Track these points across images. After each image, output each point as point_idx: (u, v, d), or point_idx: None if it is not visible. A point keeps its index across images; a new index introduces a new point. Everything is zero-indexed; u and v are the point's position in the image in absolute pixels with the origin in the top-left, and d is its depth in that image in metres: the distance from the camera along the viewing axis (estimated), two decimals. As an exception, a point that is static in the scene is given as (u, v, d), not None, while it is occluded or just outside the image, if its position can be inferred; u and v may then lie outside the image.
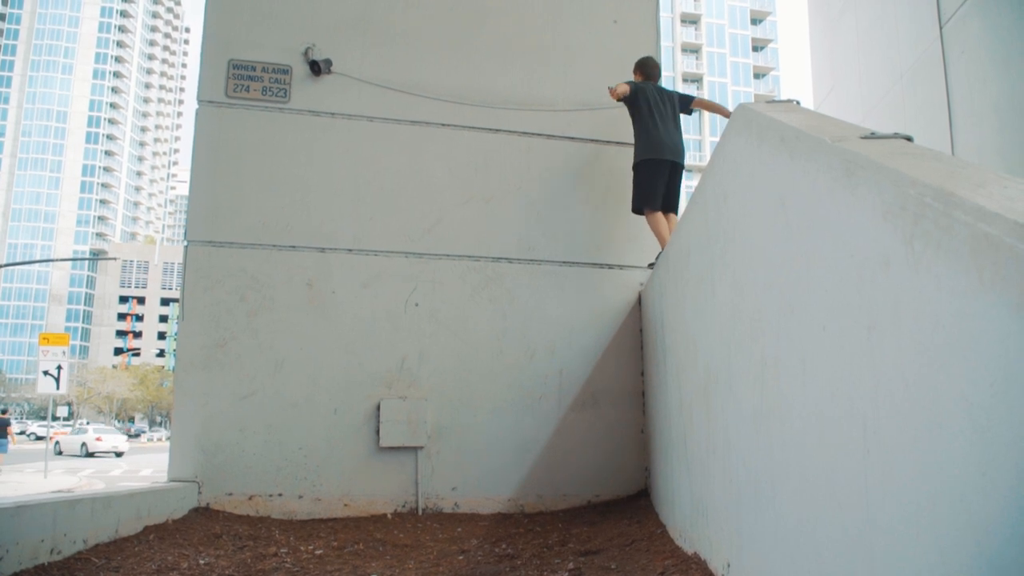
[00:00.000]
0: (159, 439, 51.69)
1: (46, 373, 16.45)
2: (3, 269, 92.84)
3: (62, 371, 16.60)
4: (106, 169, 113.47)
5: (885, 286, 1.61)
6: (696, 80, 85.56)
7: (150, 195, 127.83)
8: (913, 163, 1.65)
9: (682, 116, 6.18)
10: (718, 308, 3.19)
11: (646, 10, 6.98)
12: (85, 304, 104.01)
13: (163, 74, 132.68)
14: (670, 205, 5.90)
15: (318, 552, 4.54)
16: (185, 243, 5.83)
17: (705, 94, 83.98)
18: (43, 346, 16.81)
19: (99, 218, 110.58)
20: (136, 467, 21.20)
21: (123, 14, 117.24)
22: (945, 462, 1.36)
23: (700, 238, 3.62)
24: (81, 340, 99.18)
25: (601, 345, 6.18)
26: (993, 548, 1.23)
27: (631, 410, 6.11)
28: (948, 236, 1.38)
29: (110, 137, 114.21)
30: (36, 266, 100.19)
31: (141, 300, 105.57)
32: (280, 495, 5.55)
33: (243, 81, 6.03)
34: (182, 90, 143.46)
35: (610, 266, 6.31)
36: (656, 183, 5.81)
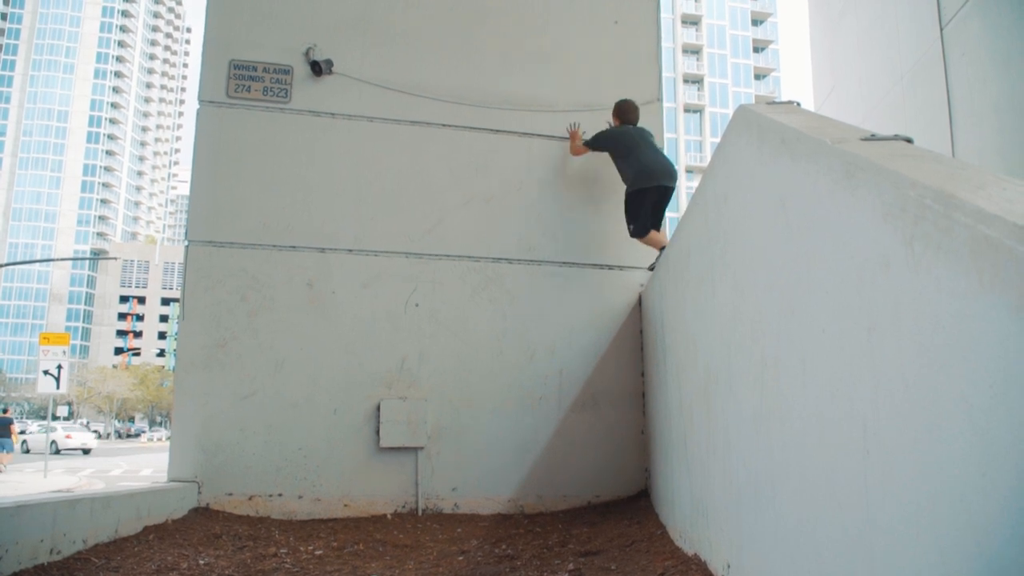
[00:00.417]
0: (159, 439, 51.70)
1: (46, 373, 16.44)
2: (4, 268, 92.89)
3: (62, 371, 16.58)
4: (107, 169, 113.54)
5: (885, 287, 1.61)
6: (697, 81, 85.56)
7: (151, 195, 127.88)
8: (913, 165, 1.66)
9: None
10: (718, 309, 3.19)
11: (646, 11, 6.98)
12: (85, 304, 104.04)
13: (164, 74, 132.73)
14: (657, 224, 5.99)
15: (318, 552, 4.54)
16: (186, 243, 5.83)
17: (706, 95, 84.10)
18: (43, 345, 16.80)
19: (100, 218, 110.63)
20: (136, 467, 21.20)
21: (124, 14, 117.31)
22: (945, 463, 1.37)
23: (700, 239, 3.62)
24: (81, 340, 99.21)
25: (601, 346, 6.18)
26: (993, 548, 1.23)
27: (631, 411, 6.11)
28: (948, 238, 1.38)
29: (111, 137, 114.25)
30: (37, 265, 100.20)
31: (142, 300, 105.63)
32: (280, 495, 5.55)
33: (244, 81, 6.03)
34: (183, 90, 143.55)
35: (610, 267, 6.31)
36: (649, 209, 5.93)
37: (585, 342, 6.18)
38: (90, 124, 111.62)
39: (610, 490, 5.98)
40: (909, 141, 2.03)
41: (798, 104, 3.12)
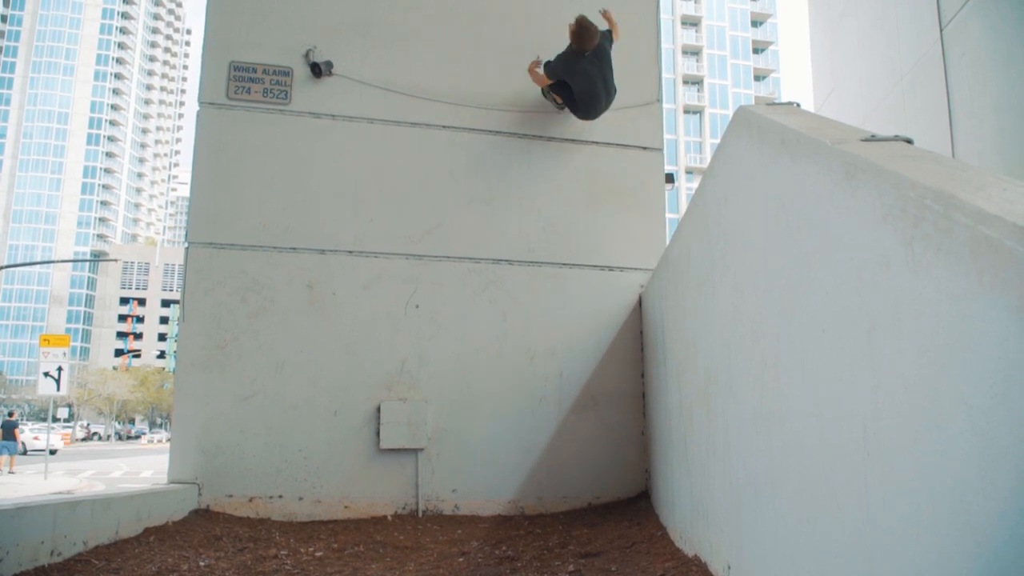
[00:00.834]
0: (159, 440, 51.71)
1: (46, 374, 16.44)
2: (4, 271, 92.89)
3: (62, 372, 16.57)
4: (107, 170, 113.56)
5: (885, 288, 1.61)
6: (697, 82, 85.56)
7: (151, 196, 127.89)
8: (913, 165, 1.66)
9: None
10: (719, 310, 3.19)
11: (646, 12, 6.98)
12: (86, 305, 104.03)
13: (164, 75, 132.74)
14: None
15: (318, 554, 4.54)
16: (186, 245, 5.83)
17: (706, 96, 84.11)
18: (44, 347, 16.79)
19: (100, 219, 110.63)
20: (137, 469, 21.20)
21: (124, 16, 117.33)
22: (945, 463, 1.37)
23: (700, 240, 3.62)
24: (82, 341, 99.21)
25: (601, 347, 6.18)
26: (993, 548, 1.23)
27: (631, 412, 6.11)
28: (948, 238, 1.38)
29: (111, 139, 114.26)
30: (37, 267, 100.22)
31: (142, 302, 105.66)
32: (280, 497, 5.55)
33: (244, 83, 6.03)
34: (183, 92, 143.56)
35: (611, 268, 6.31)
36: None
37: (585, 343, 6.18)
38: (90, 126, 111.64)
39: (610, 491, 5.98)
40: (909, 142, 2.03)
41: (798, 105, 3.13)
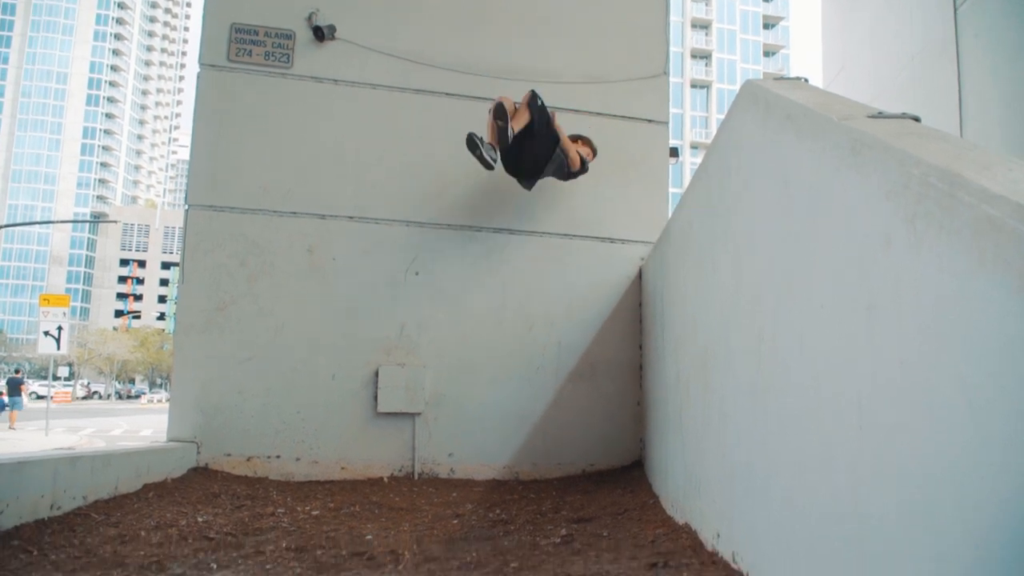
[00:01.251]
0: (159, 400, 51.99)
1: (47, 334, 16.50)
2: (3, 230, 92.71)
3: (62, 332, 16.64)
4: (107, 132, 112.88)
5: (886, 266, 1.61)
6: (705, 57, 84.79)
7: (151, 159, 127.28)
8: (919, 143, 1.65)
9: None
10: (719, 284, 3.20)
11: (655, -18, 6.90)
12: (86, 266, 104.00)
13: (165, 36, 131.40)
14: None
15: (315, 513, 4.58)
16: (186, 207, 5.82)
17: (714, 71, 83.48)
18: (43, 307, 16.84)
19: (100, 181, 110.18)
20: (136, 427, 21.36)
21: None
22: (941, 442, 1.38)
23: (702, 214, 3.62)
24: (82, 302, 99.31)
25: (600, 318, 6.20)
26: (984, 527, 1.25)
27: (628, 383, 6.14)
28: (950, 217, 1.38)
29: (111, 99, 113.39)
30: (37, 228, 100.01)
31: (142, 263, 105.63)
32: (278, 457, 5.60)
33: (245, 45, 5.98)
34: (184, 53, 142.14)
35: (611, 240, 6.31)
36: None
37: (584, 314, 6.20)
38: (89, 86, 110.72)
39: (604, 460, 6.03)
40: (917, 120, 2.02)
41: (806, 80, 3.10)
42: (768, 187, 2.52)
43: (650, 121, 6.61)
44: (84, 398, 55.49)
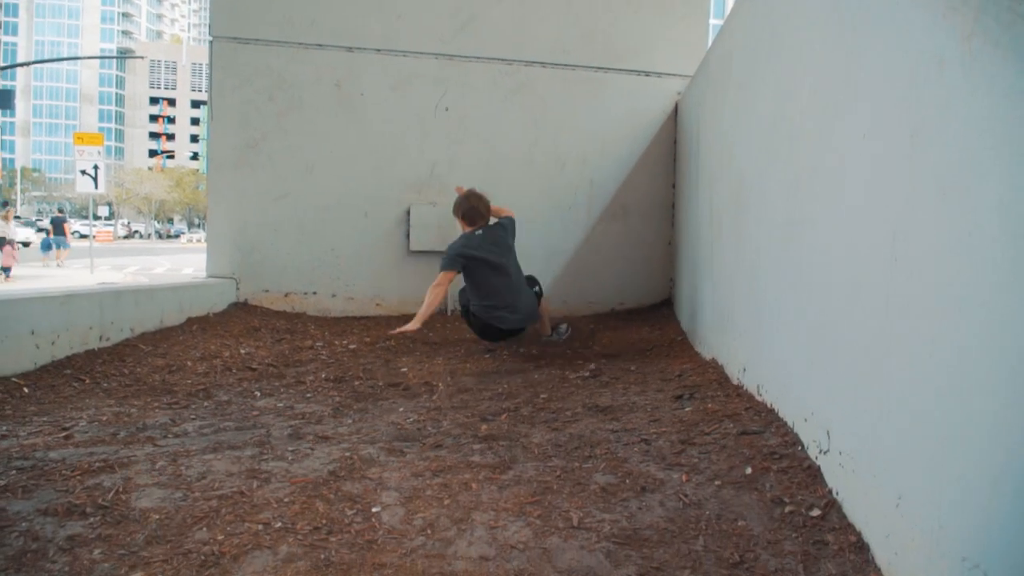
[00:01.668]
0: (198, 240, 53.13)
1: (84, 172, 16.62)
2: (32, 67, 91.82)
3: (99, 171, 16.74)
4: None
5: (936, 88, 1.52)
6: None
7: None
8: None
9: None
10: (758, 116, 3.08)
11: None
12: (116, 105, 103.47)
13: None
14: None
15: (351, 347, 4.75)
16: (210, 39, 5.67)
17: None
18: (78, 146, 16.87)
19: (123, 15, 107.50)
20: (178, 266, 21.96)
21: None
22: (977, 272, 1.35)
23: (745, 41, 3.44)
24: (115, 141, 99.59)
25: (634, 156, 6.08)
26: (1014, 345, 1.24)
27: (660, 222, 6.10)
28: (1009, 33, 1.29)
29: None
30: (65, 65, 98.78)
31: (172, 102, 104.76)
32: (315, 293, 5.75)
33: None
34: None
35: (647, 73, 6.07)
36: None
37: (618, 152, 6.07)
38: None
39: (634, 298, 6.11)
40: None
41: None
42: (817, 7, 2.37)
43: (693, -58, 6.18)
44: (125, 237, 56.84)
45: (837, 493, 1.94)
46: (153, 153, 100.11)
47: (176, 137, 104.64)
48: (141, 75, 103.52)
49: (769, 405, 2.70)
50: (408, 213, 5.82)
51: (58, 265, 19.81)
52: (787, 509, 1.94)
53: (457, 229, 4.80)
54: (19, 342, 3.47)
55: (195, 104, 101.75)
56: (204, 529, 1.84)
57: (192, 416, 3.02)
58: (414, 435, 2.73)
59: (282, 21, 5.65)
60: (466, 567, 1.69)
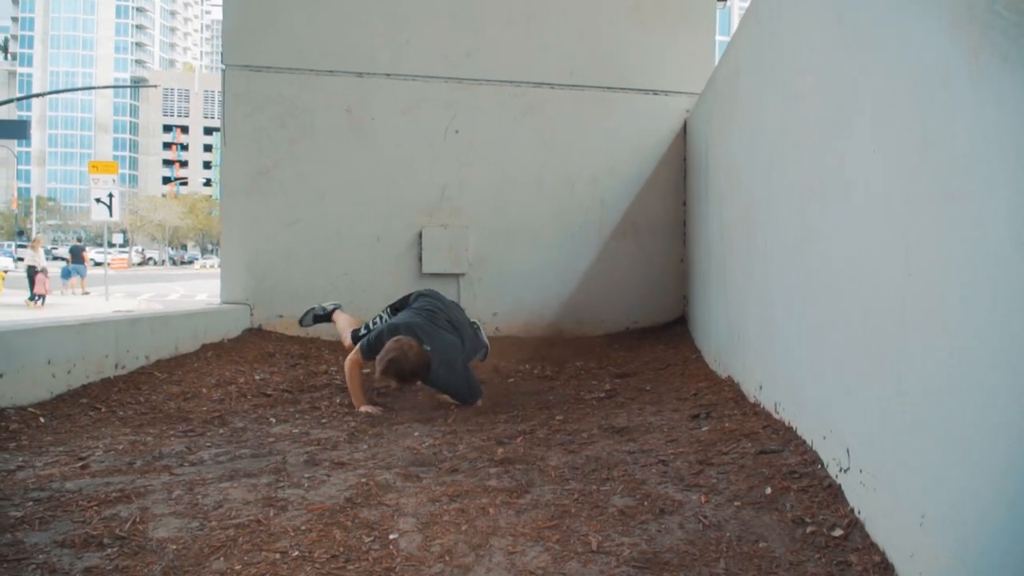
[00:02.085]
0: (211, 266, 53.46)
1: (98, 201, 16.76)
2: (48, 97, 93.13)
3: (114, 198, 16.87)
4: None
5: (943, 102, 1.52)
6: None
7: (185, 20, 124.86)
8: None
9: None
10: (765, 132, 3.09)
11: None
12: (131, 133, 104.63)
13: None
14: None
15: (365, 371, 4.74)
16: (222, 67, 5.74)
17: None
18: (93, 174, 17.03)
19: (136, 44, 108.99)
20: (192, 292, 22.09)
21: None
22: (987, 281, 1.34)
23: (751, 58, 3.45)
24: (130, 169, 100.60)
25: (644, 174, 6.09)
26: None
27: (671, 239, 6.10)
28: (1017, 48, 1.29)
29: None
30: (80, 94, 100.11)
31: (185, 129, 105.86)
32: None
33: None
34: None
35: (655, 92, 6.09)
36: None
37: (628, 171, 6.08)
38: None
39: (647, 316, 6.09)
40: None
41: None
42: (822, 25, 2.37)
43: (698, -39, 6.22)
44: (140, 264, 57.24)
45: (859, 512, 1.92)
46: (167, 180, 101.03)
47: (189, 164, 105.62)
48: (154, 103, 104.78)
49: (787, 423, 2.67)
50: (420, 236, 5.84)
51: (80, 292, 19.98)
52: (809, 529, 1.92)
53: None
54: (35, 371, 3.49)
55: (207, 131, 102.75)
56: (221, 559, 1.84)
57: (208, 444, 3.02)
58: (430, 459, 2.73)
59: (293, 48, 5.71)
60: (484, 594, 1.68)
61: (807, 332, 2.45)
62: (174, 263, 65.26)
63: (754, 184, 3.29)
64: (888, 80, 1.82)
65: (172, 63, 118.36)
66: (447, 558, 1.84)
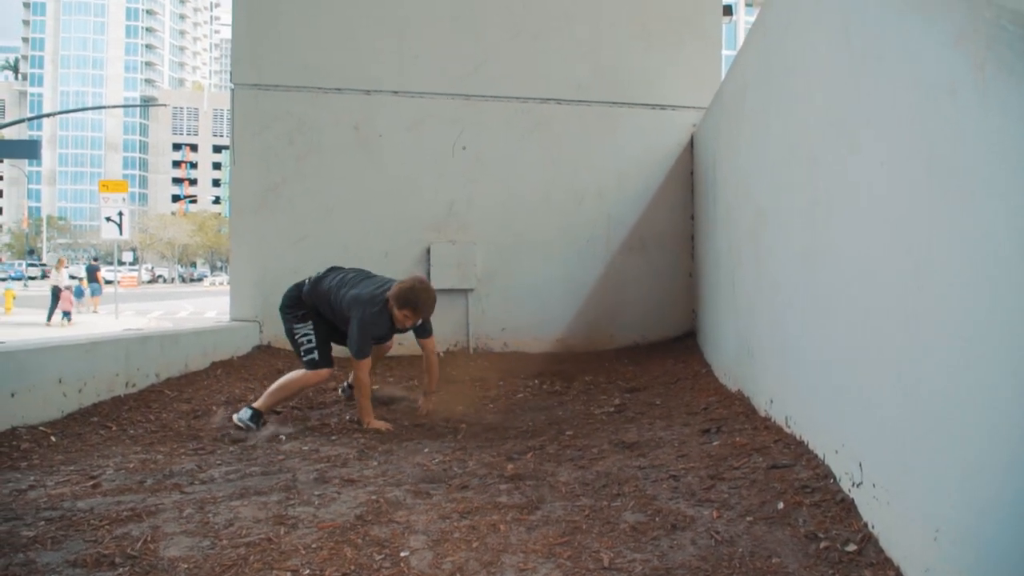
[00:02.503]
0: (221, 283, 53.65)
1: (108, 219, 16.88)
2: (58, 117, 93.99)
3: (123, 217, 16.99)
4: (149, 12, 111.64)
5: (950, 116, 1.52)
6: (761, -98, 78.89)
7: (195, 39, 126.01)
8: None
9: None
10: (773, 146, 3.09)
11: None
12: (140, 152, 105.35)
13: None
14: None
15: (374, 387, 4.75)
16: (231, 86, 5.78)
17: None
18: (103, 193, 17.17)
19: (146, 64, 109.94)
20: (202, 309, 22.17)
21: None
22: (995, 287, 1.34)
23: (758, 73, 3.46)
24: (139, 187, 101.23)
25: (651, 189, 6.10)
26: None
27: (679, 254, 6.09)
28: (1022, 61, 1.29)
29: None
30: (90, 114, 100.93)
31: (194, 147, 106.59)
32: (337, 334, 5.76)
33: (279, -88, 5.75)
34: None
35: (662, 107, 6.10)
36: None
37: (635, 185, 6.09)
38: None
39: (657, 331, 6.08)
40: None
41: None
42: (828, 40, 2.38)
43: (703, -24, 6.25)
44: (149, 282, 57.49)
45: (873, 527, 1.90)
46: (176, 198, 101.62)
47: (198, 182, 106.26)
48: (164, 122, 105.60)
49: (798, 437, 2.66)
50: (428, 252, 5.86)
51: (94, 311, 20.10)
52: (822, 544, 1.91)
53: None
54: (46, 390, 3.51)
55: (216, 149, 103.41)
56: (232, 577, 1.84)
57: (218, 462, 3.03)
58: (440, 476, 2.72)
59: (301, 67, 5.76)
60: (496, 612, 1.67)
61: (817, 345, 2.45)
62: (184, 281, 65.51)
63: (762, 197, 3.29)
64: (894, 93, 1.82)
65: (181, 82, 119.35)
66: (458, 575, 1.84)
